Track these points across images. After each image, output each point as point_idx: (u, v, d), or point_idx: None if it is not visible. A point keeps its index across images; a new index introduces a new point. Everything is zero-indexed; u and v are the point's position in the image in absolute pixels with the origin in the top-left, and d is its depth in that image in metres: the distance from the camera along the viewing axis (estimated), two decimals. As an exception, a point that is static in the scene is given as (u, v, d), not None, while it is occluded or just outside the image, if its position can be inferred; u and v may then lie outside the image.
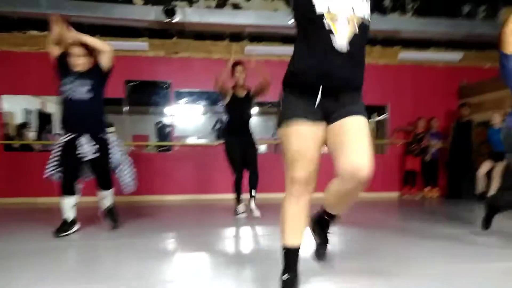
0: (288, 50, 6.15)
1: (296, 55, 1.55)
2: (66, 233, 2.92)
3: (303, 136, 1.45)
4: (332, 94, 1.47)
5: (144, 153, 6.53)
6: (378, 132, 7.58)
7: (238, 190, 3.97)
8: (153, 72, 6.09)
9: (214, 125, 6.85)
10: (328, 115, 1.48)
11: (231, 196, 6.03)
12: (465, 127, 6.21)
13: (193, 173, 6.05)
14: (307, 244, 2.45)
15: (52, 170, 2.98)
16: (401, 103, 6.66)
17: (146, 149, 6.79)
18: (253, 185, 4.02)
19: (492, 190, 5.43)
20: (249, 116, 4.13)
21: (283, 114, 1.50)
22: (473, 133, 6.17)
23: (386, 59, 6.64)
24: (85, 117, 2.96)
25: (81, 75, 2.98)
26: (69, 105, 2.98)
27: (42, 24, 5.70)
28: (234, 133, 4.02)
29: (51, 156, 3.02)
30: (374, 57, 6.60)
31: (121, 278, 1.93)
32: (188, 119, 7.22)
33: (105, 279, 1.97)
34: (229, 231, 3.34)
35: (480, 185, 5.64)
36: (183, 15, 5.47)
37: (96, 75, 3.03)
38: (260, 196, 5.86)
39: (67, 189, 2.95)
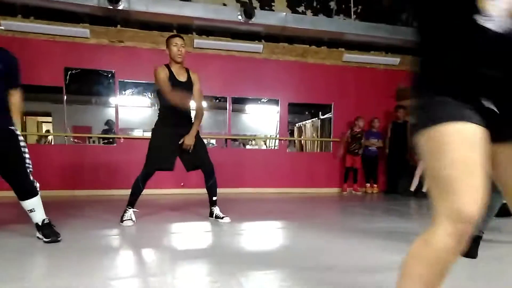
0: (237, 46, 6.19)
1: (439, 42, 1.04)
2: None
3: (471, 143, 0.95)
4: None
5: (87, 145, 6.17)
6: (323, 130, 7.87)
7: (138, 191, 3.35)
8: (96, 60, 5.77)
9: None
10: (495, 125, 1.00)
11: (179, 191, 6.02)
12: (401, 128, 6.66)
13: (139, 167, 5.83)
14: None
15: None
16: (344, 103, 6.97)
17: (89, 141, 6.41)
18: (214, 187, 3.49)
19: (426, 187, 5.91)
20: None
21: (432, 115, 0.99)
22: (409, 133, 6.64)
23: (332, 60, 6.90)
24: None
25: None
26: None
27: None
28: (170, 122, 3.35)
29: None
30: (321, 57, 6.82)
31: (62, 277, 1.81)
32: (133, 111, 6.93)
33: (43, 278, 1.84)
34: (176, 227, 3.28)
35: (415, 182, 6.10)
36: (128, 2, 5.24)
37: None
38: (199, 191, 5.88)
39: None
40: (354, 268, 2.01)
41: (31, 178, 2.56)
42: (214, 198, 3.48)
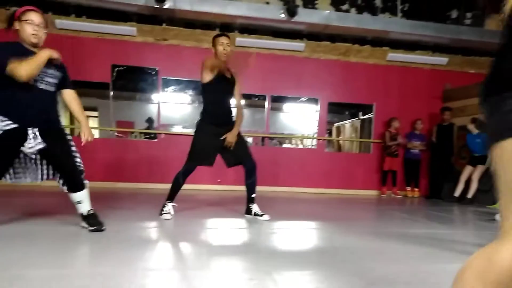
0: (278, 44, 6.18)
1: None
2: None
3: None
4: None
5: (130, 140, 6.43)
6: (362, 131, 7.69)
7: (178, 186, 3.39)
8: (141, 58, 5.99)
9: None
10: None
11: (215, 187, 6.11)
12: (447, 130, 6.36)
13: (178, 163, 5.98)
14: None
15: None
16: (387, 103, 6.76)
17: (131, 136, 6.67)
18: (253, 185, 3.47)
19: (471, 193, 5.61)
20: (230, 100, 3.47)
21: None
22: (454, 136, 6.32)
23: (375, 59, 6.71)
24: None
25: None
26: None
27: (26, 1, 5.52)
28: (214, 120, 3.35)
29: None
30: (363, 56, 6.66)
31: (101, 265, 1.90)
32: (175, 107, 7.12)
33: (86, 265, 1.94)
34: (212, 222, 3.33)
35: (460, 188, 5.80)
36: (173, 1, 5.38)
37: None
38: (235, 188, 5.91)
39: None
40: (395, 274, 1.94)
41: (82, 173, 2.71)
42: (253, 196, 3.47)
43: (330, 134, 8.79)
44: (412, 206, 5.44)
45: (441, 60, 6.81)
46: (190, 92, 6.77)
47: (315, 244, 2.70)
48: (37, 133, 2.46)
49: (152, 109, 6.55)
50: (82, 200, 2.65)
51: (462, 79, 6.77)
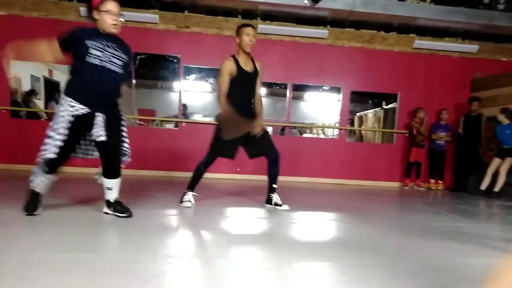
0: (301, 31, 6.07)
1: None
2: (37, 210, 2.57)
3: None
4: None
5: (151, 128, 6.50)
6: (386, 121, 7.51)
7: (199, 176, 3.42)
8: (163, 45, 6.00)
9: None
10: None
11: (234, 176, 6.13)
12: (474, 121, 6.12)
13: (198, 152, 6.03)
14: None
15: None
16: (412, 92, 6.57)
17: (152, 124, 6.75)
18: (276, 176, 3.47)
19: (498, 186, 5.42)
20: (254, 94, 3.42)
21: None
22: (482, 127, 6.09)
23: (401, 46, 6.50)
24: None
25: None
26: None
27: (52, -10, 5.62)
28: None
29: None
30: (389, 43, 6.46)
31: (124, 251, 1.93)
32: (195, 95, 7.15)
33: (108, 251, 1.98)
34: (232, 211, 3.34)
35: (487, 181, 5.61)
36: (196, -12, 5.34)
37: None
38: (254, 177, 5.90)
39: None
40: (418, 267, 1.89)
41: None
42: (275, 186, 3.45)
43: (352, 123, 8.63)
44: (436, 198, 5.31)
45: (471, 47, 6.54)
46: (212, 80, 6.77)
47: (335, 235, 2.66)
48: (104, 119, 2.53)
49: (173, 97, 6.60)
50: (113, 188, 2.70)
51: (493, 68, 6.49)
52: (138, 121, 6.43)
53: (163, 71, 6.38)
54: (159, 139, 6.08)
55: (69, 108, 2.44)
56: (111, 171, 2.67)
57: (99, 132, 2.49)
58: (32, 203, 2.55)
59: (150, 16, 5.80)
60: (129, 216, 2.66)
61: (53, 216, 2.61)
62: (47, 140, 2.46)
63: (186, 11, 5.96)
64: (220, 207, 3.44)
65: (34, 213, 2.54)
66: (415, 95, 6.56)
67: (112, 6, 2.48)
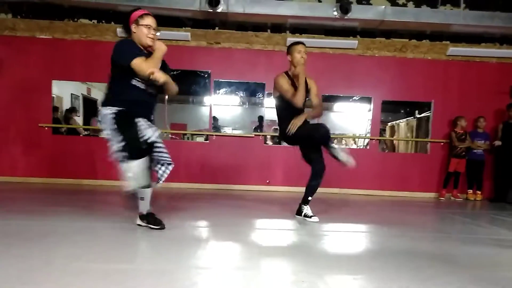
0: (330, 42, 6.07)
1: None
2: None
3: None
4: None
5: (183, 141, 6.67)
6: (419, 130, 7.30)
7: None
8: (194, 61, 6.18)
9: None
10: None
11: (264, 188, 6.14)
12: (514, 129, 5.85)
13: (228, 164, 6.12)
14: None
15: None
16: (446, 100, 6.36)
17: (183, 137, 6.91)
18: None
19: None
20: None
21: None
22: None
23: (434, 54, 6.34)
24: None
25: None
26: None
27: (92, 13, 5.96)
28: None
29: None
30: (421, 51, 6.33)
31: (156, 262, 1.99)
32: (226, 109, 7.27)
33: (141, 262, 2.04)
34: (262, 223, 3.35)
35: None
36: (227, 5, 5.49)
37: None
38: (298, 189, 5.87)
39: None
40: (458, 282, 1.82)
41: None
42: (310, 198, 3.44)
43: (382, 133, 8.45)
44: (475, 210, 5.07)
45: (510, 52, 6.27)
46: (241, 93, 6.87)
47: (367, 248, 2.61)
48: (147, 123, 2.62)
49: (204, 112, 6.74)
50: (145, 198, 2.75)
51: (534, 73, 6.19)
52: (170, 135, 6.61)
53: (194, 86, 6.55)
54: (190, 152, 6.22)
55: None
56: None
57: (150, 133, 2.58)
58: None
59: (182, 34, 6.01)
60: (162, 228, 2.72)
61: (88, 227, 2.73)
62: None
63: (216, 28, 6.13)
64: (250, 218, 3.47)
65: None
66: (450, 103, 6.35)
67: (151, 21, 2.64)
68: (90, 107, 6.99)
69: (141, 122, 2.58)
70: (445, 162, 6.32)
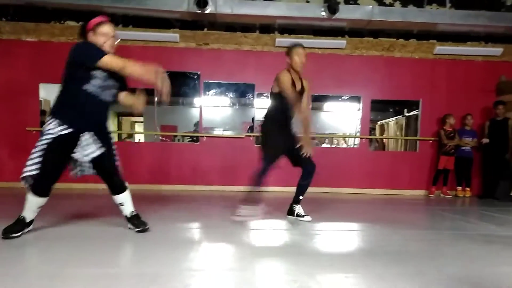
0: (319, 42, 6.11)
1: None
2: (19, 234, 2.47)
3: None
4: None
5: (173, 143, 6.64)
6: (408, 128, 7.38)
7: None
8: (183, 63, 6.16)
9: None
10: None
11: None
12: (501, 125, 5.96)
13: (219, 165, 6.11)
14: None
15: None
16: (434, 99, 6.45)
17: (174, 139, 6.88)
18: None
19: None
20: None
21: None
22: (509, 132, 5.91)
23: (421, 53, 6.43)
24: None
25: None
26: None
27: (78, 15, 5.89)
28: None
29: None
30: (409, 50, 6.40)
31: (148, 265, 1.97)
32: (216, 110, 7.25)
33: (133, 265, 2.02)
34: (254, 223, 3.35)
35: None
36: (215, 6, 5.49)
37: None
38: (290, 189, 5.89)
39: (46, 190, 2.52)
40: (448, 278, 1.84)
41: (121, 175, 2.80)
42: (301, 198, 3.46)
43: (371, 132, 8.53)
44: (464, 206, 5.14)
45: (495, 50, 6.38)
46: (231, 94, 6.86)
47: (359, 246, 2.62)
48: (92, 138, 2.54)
49: (194, 113, 6.73)
50: (124, 202, 2.75)
51: (519, 70, 6.31)
52: (160, 137, 6.58)
53: (184, 87, 6.53)
54: (180, 154, 6.19)
55: None
56: (115, 186, 2.72)
57: (87, 151, 2.53)
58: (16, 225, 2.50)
59: (171, 35, 5.98)
60: (144, 230, 2.70)
61: (77, 232, 2.71)
62: None
63: (205, 29, 6.12)
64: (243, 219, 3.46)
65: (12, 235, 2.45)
66: (438, 101, 6.44)
67: (108, 29, 2.56)
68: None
69: (85, 137, 2.50)
70: (434, 160, 6.40)
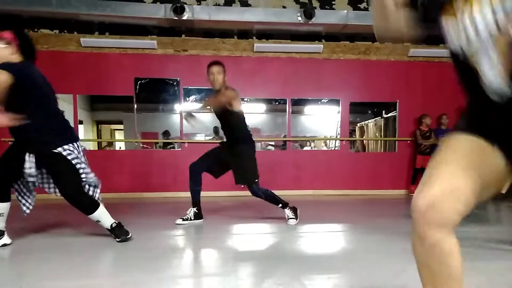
0: (296, 47, 6.16)
1: None
2: None
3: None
4: None
5: (154, 150, 6.56)
6: (387, 129, 7.53)
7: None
8: (162, 69, 6.13)
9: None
10: None
11: (238, 193, 6.13)
12: (476, 124, 6.14)
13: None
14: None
15: None
16: (410, 100, 6.62)
17: (156, 146, 6.81)
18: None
19: (504, 188, 5.38)
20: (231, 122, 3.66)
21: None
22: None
23: (396, 56, 6.59)
24: None
25: None
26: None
27: (53, 23, 5.78)
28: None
29: None
30: (384, 53, 6.55)
31: (133, 274, 1.95)
32: (197, 116, 7.21)
33: (114, 275, 1.99)
34: (237, 228, 3.35)
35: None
36: (192, 12, 5.49)
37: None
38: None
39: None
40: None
41: (89, 192, 2.70)
42: (279, 205, 3.48)
43: (351, 134, 8.66)
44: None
45: (466, 52, 6.61)
46: (211, 100, 6.84)
47: (343, 247, 2.66)
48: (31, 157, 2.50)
49: (175, 119, 6.68)
50: (100, 219, 2.65)
51: (489, 71, 6.53)
52: (141, 145, 6.50)
53: (163, 94, 6.48)
54: (162, 161, 6.13)
55: None
56: (83, 209, 2.61)
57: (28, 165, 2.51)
58: None
59: (148, 42, 5.94)
60: (126, 240, 2.66)
61: (57, 243, 2.64)
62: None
63: (183, 35, 6.10)
64: (225, 224, 3.46)
65: None
66: (414, 102, 6.61)
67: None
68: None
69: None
70: (412, 159, 6.55)
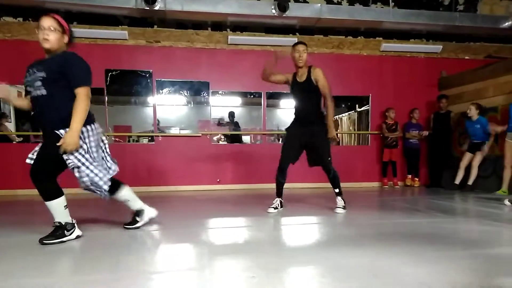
0: (271, 40, 6.15)
1: None
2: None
3: None
4: None
5: (127, 144, 6.39)
6: (360, 123, 7.67)
7: (276, 184, 3.93)
8: (134, 61, 5.97)
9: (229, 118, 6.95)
10: None
11: (214, 187, 6.10)
12: (444, 118, 6.35)
13: (176, 165, 5.99)
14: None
15: None
16: (382, 94, 6.75)
17: (129, 140, 6.64)
18: (332, 182, 3.88)
19: (471, 180, 5.60)
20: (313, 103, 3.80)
21: None
22: (452, 124, 6.32)
23: (369, 50, 6.70)
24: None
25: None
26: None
27: (16, 11, 5.50)
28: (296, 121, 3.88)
29: None
30: (357, 48, 6.64)
31: (104, 271, 1.88)
32: (170, 109, 7.09)
33: (88, 272, 1.92)
34: (214, 222, 3.32)
35: (460, 175, 5.77)
36: (164, 2, 5.35)
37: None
38: (249, 187, 5.91)
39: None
40: (397, 265, 1.93)
41: (106, 177, 2.76)
42: (336, 190, 3.87)
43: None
44: (413, 195, 5.44)
45: (435, 47, 6.80)
46: (185, 92, 6.74)
47: (317, 239, 2.68)
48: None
49: (148, 112, 6.53)
50: (52, 211, 2.48)
51: (457, 66, 6.76)
52: (114, 138, 6.32)
53: (136, 86, 6.31)
54: (135, 155, 6.00)
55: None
56: (38, 191, 2.44)
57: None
58: None
59: (119, 33, 5.76)
60: (60, 241, 2.46)
61: (26, 241, 2.52)
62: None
63: (155, 26, 5.95)
64: (202, 218, 3.42)
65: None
66: (386, 96, 6.75)
67: (43, 22, 2.41)
68: (22, 112, 6.43)
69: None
70: (381, 154, 6.71)
